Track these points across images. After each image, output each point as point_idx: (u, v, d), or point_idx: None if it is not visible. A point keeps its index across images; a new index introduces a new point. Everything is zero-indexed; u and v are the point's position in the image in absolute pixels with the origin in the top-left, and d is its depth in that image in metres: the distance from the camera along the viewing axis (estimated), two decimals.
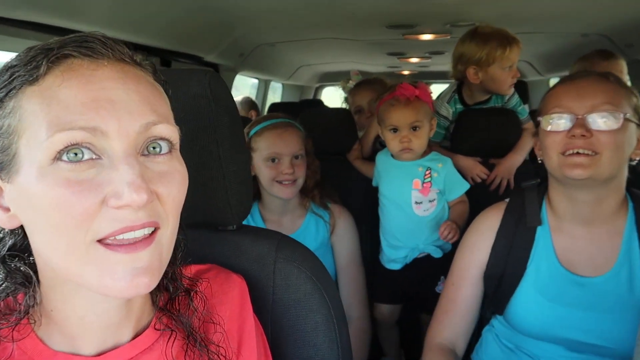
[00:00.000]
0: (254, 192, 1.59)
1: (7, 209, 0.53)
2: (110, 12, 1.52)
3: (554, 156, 1.04)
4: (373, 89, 2.36)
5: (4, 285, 0.56)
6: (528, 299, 1.11)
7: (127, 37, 1.73)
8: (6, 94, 0.51)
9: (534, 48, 3.07)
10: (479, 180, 1.81)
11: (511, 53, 1.73)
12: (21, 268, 0.56)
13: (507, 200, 1.21)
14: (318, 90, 5.60)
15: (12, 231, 0.57)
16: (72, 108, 0.48)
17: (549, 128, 1.04)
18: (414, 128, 1.60)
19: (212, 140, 0.75)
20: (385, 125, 1.64)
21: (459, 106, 1.93)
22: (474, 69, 1.78)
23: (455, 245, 1.35)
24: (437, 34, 2.56)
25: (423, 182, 1.64)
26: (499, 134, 1.83)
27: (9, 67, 0.52)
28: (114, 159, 0.50)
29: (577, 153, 0.99)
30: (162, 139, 0.54)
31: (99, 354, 0.58)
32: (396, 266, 1.74)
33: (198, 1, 1.75)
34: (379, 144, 2.08)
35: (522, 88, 3.28)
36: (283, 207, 1.61)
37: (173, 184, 0.54)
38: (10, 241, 0.57)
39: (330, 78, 4.94)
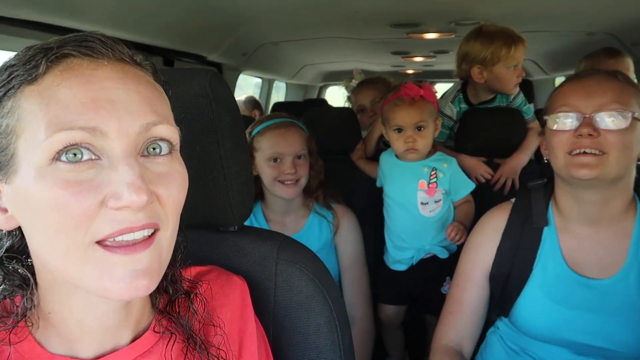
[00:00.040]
0: (257, 192, 1.59)
1: (5, 210, 0.53)
2: (112, 12, 1.51)
3: (561, 156, 1.02)
4: (376, 88, 2.35)
5: (1, 288, 0.56)
6: (534, 301, 1.10)
7: (129, 37, 1.73)
8: (4, 94, 0.50)
9: (540, 47, 3.05)
10: (483, 180, 1.79)
11: (516, 52, 1.72)
12: (19, 270, 0.56)
13: (512, 200, 1.20)
14: (322, 89, 5.59)
15: (9, 232, 0.56)
16: (72, 108, 0.48)
17: (555, 127, 1.03)
18: (419, 128, 1.59)
19: (213, 140, 0.75)
20: (390, 126, 1.63)
21: (464, 105, 1.91)
22: (479, 68, 1.76)
23: (461, 246, 1.34)
24: (441, 32, 2.54)
25: (429, 183, 1.63)
26: (504, 133, 1.82)
27: (7, 66, 0.51)
28: (114, 159, 0.49)
29: (584, 153, 0.98)
30: (162, 139, 0.53)
31: (98, 357, 0.57)
32: (401, 267, 1.73)
33: (200, 0, 1.74)
34: (383, 144, 2.07)
35: (527, 87, 3.27)
36: (286, 207, 1.60)
37: (173, 185, 0.53)
38: (8, 243, 0.57)
39: (334, 77, 4.93)
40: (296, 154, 1.51)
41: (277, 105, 3.85)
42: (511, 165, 1.80)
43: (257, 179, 1.54)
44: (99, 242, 0.49)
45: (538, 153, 1.88)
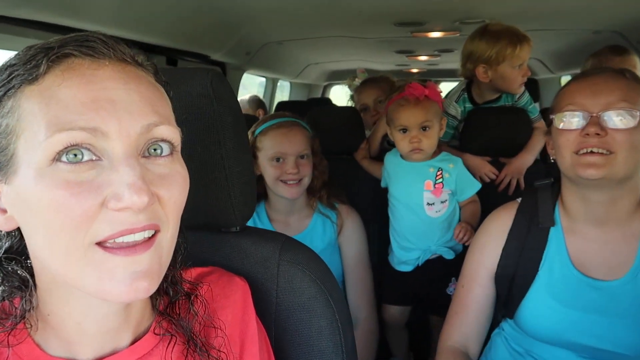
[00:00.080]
0: (261, 191, 1.58)
1: (4, 211, 0.52)
2: (115, 11, 1.51)
3: (567, 155, 1.01)
4: (379, 87, 2.34)
5: (0, 289, 0.55)
6: (539, 302, 1.09)
7: (132, 36, 1.72)
8: (4, 93, 0.50)
9: (545, 45, 3.03)
10: (487, 179, 1.78)
11: (522, 51, 1.70)
12: (18, 271, 0.55)
13: (518, 200, 1.19)
14: (326, 88, 5.59)
15: (8, 233, 0.56)
16: (72, 108, 0.48)
17: (561, 126, 1.02)
18: (424, 128, 1.58)
19: (214, 140, 0.74)
20: (395, 126, 1.62)
21: (468, 105, 1.90)
22: (484, 67, 1.75)
23: (467, 246, 1.33)
24: (446, 31, 2.53)
25: (435, 183, 1.62)
26: (509, 133, 1.81)
27: (8, 65, 0.51)
28: (114, 160, 0.49)
29: (591, 152, 0.97)
30: (163, 140, 0.53)
31: None
32: (407, 268, 1.72)
33: None
34: (387, 143, 2.06)
35: (533, 86, 3.25)
36: (290, 207, 1.60)
37: (174, 186, 0.53)
38: (7, 243, 0.56)
39: (338, 76, 4.93)
40: (299, 154, 1.50)
41: (281, 105, 3.85)
42: (516, 165, 1.79)
43: (261, 179, 1.54)
44: (99, 244, 0.49)
45: (543, 152, 1.86)
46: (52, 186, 0.47)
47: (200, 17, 1.93)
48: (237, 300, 0.68)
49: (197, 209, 0.74)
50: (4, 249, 0.56)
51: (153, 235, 0.51)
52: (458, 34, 2.53)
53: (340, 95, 5.57)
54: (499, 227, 1.16)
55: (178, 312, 0.62)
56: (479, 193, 1.66)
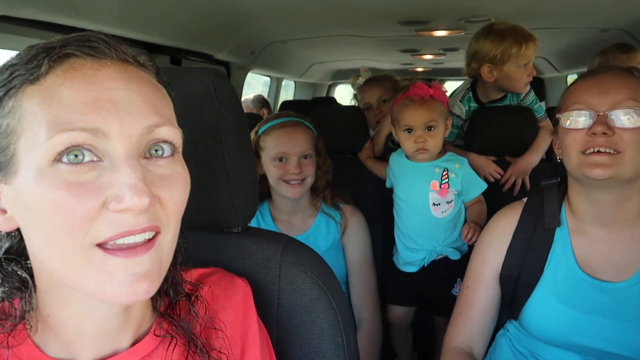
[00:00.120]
0: (265, 191, 1.58)
1: (4, 211, 0.52)
2: (119, 11, 1.51)
3: (574, 155, 1.00)
4: (382, 86, 2.33)
5: (0, 290, 0.55)
6: (544, 303, 1.07)
7: (136, 36, 1.73)
8: (5, 93, 0.50)
9: (551, 44, 3.00)
10: (491, 179, 1.77)
11: (527, 50, 1.68)
12: (18, 272, 0.55)
13: (524, 199, 1.18)
14: (331, 87, 5.58)
15: (8, 234, 0.56)
16: (73, 108, 0.48)
17: (568, 125, 1.01)
18: (429, 128, 1.57)
19: (216, 140, 0.74)
20: (400, 126, 1.61)
21: (473, 104, 1.89)
22: (489, 66, 1.73)
23: (472, 247, 1.32)
24: (451, 30, 2.51)
25: (441, 184, 1.61)
26: (514, 132, 1.79)
27: (9, 65, 0.51)
28: (116, 161, 0.49)
29: (598, 152, 0.96)
30: (164, 141, 0.53)
31: None
32: (412, 269, 1.71)
33: None
34: (391, 143, 2.05)
35: (538, 85, 3.22)
36: (293, 207, 1.59)
37: (175, 187, 0.53)
38: (7, 244, 0.56)
39: (343, 75, 4.91)
40: (302, 154, 1.50)
41: (285, 104, 3.84)
42: (522, 165, 1.77)
43: (264, 179, 1.54)
44: (99, 245, 0.49)
45: (549, 152, 1.84)
46: (53, 187, 0.47)
47: (204, 16, 1.93)
48: (239, 301, 0.68)
49: (198, 210, 0.74)
50: (3, 249, 0.56)
51: (153, 237, 0.51)
52: (463, 33, 2.51)
53: (344, 95, 5.56)
54: (504, 227, 1.15)
55: (179, 313, 0.62)
56: (483, 193, 1.65)
